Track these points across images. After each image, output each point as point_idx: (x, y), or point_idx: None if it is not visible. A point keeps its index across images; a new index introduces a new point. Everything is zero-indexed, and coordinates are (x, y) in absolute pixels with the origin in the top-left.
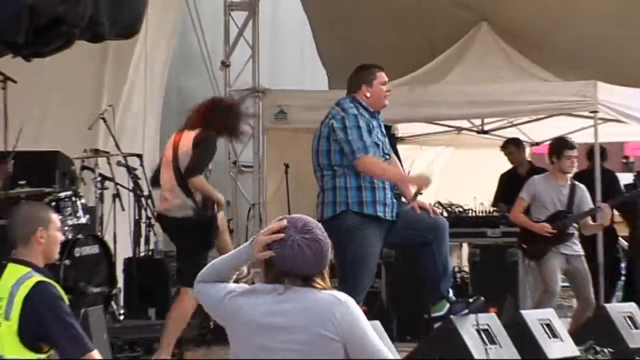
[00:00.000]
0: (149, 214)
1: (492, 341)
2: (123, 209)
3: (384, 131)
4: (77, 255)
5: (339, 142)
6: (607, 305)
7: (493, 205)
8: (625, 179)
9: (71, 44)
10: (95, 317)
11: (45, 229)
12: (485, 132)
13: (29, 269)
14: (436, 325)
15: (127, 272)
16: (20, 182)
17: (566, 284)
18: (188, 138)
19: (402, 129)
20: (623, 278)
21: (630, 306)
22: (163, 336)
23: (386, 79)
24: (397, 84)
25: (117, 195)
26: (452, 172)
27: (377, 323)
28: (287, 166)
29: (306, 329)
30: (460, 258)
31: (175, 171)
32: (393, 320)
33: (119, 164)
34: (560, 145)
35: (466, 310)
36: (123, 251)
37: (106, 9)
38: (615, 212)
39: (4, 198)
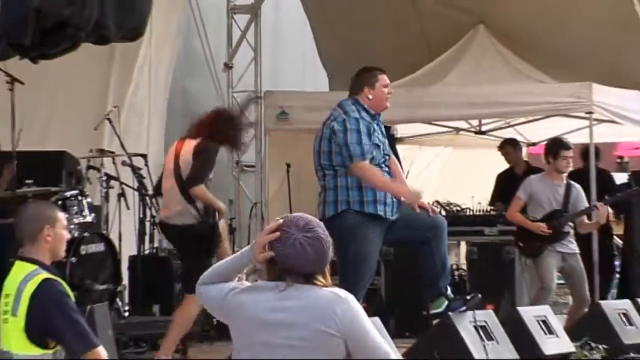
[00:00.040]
0: (154, 213)
1: (489, 337)
2: (128, 208)
3: (384, 132)
4: (83, 253)
5: (338, 144)
6: (602, 302)
7: (490, 204)
8: (620, 178)
9: (77, 46)
10: (100, 314)
11: (52, 227)
12: (483, 133)
13: (36, 267)
14: (434, 321)
15: (132, 270)
16: (27, 182)
17: (562, 282)
18: (189, 147)
19: (401, 130)
20: (618, 275)
21: (625, 303)
22: (165, 339)
23: (388, 81)
24: (396, 85)
25: (122, 194)
26: (451, 171)
27: (377, 319)
28: (288, 166)
29: (307, 326)
30: (458, 256)
31: (177, 179)
32: (392, 317)
33: (124, 163)
34: (556, 146)
35: (464, 307)
36: (128, 249)
37: (112, 12)
38: (610, 211)
39: (11, 197)
